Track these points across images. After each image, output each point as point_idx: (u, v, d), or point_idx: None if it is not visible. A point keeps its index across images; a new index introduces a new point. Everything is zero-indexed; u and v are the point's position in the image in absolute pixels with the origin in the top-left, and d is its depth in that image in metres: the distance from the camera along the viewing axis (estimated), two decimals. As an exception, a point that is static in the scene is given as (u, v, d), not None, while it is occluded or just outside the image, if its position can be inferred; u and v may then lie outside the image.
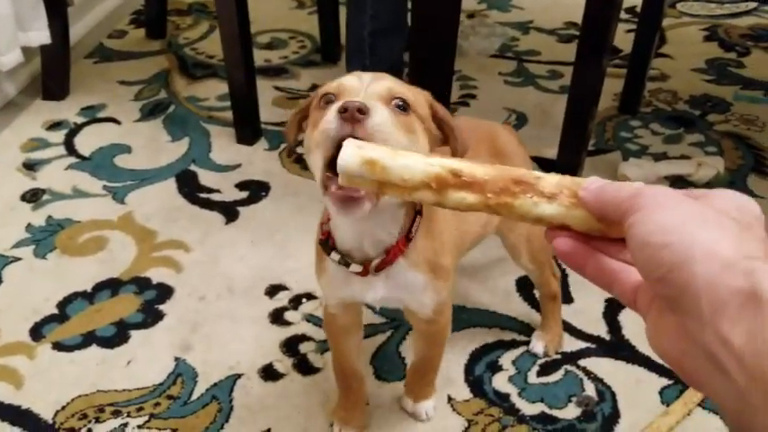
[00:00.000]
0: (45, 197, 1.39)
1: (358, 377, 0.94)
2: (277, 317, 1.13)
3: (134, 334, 1.10)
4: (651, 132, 1.59)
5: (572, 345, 1.08)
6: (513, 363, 1.05)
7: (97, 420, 0.96)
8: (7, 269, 1.22)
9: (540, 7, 2.17)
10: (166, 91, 1.76)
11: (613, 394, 1.00)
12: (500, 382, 1.02)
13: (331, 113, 0.59)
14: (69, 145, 1.55)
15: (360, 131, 0.57)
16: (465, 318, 1.12)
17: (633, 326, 1.09)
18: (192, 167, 1.48)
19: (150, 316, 1.13)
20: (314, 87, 1.77)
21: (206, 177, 1.45)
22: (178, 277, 1.20)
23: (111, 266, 1.22)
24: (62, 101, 1.70)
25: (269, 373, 1.03)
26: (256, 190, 1.42)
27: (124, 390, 1.01)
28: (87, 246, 1.27)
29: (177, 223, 1.33)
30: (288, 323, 1.12)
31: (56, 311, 1.13)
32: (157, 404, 0.99)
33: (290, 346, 1.08)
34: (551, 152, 1.39)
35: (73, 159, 1.50)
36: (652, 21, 1.56)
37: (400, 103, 0.64)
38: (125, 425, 0.96)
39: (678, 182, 1.42)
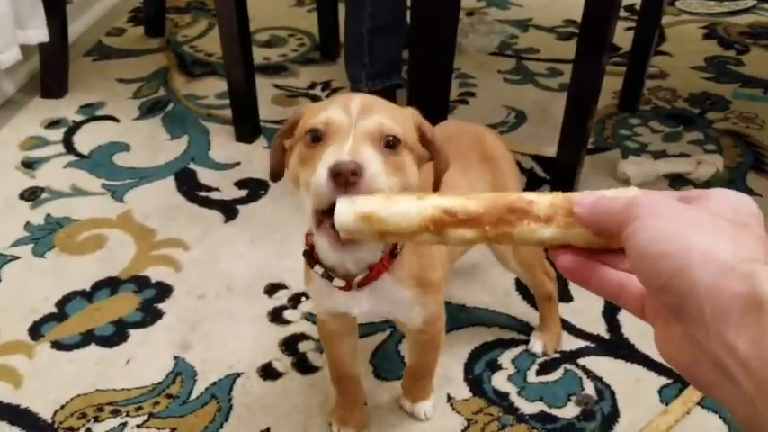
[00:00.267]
0: (44, 195, 1.39)
1: (354, 379, 0.94)
2: (276, 315, 1.13)
3: (133, 333, 1.10)
4: (650, 130, 1.59)
5: (571, 344, 1.08)
6: (513, 362, 1.05)
7: (96, 419, 0.96)
8: (6, 268, 1.22)
9: (540, 5, 2.17)
10: (165, 89, 1.75)
11: (612, 393, 1.00)
12: (499, 381, 1.02)
13: (323, 174, 0.57)
14: (68, 143, 1.55)
15: (353, 191, 0.55)
16: (464, 317, 1.12)
17: (632, 325, 1.09)
18: (191, 166, 1.48)
19: (149, 315, 1.13)
20: (313, 85, 1.77)
21: (205, 175, 1.45)
22: (177, 276, 1.20)
23: (110, 265, 1.22)
24: (61, 99, 1.70)
25: (268, 372, 1.03)
26: (255, 188, 1.41)
27: (123, 389, 1.01)
28: (86, 244, 1.27)
29: (176, 222, 1.32)
30: (287, 322, 1.12)
31: (55, 310, 1.13)
32: (156, 403, 0.99)
33: (290, 344, 1.08)
34: (551, 150, 1.39)
35: (72, 157, 1.50)
36: (651, 18, 1.56)
37: (390, 141, 0.62)
38: (124, 424, 0.96)
39: (677, 180, 1.42)
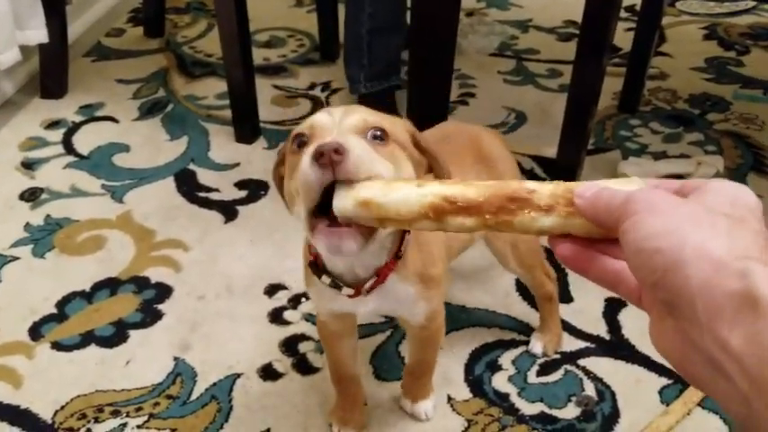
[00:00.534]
0: (43, 196, 1.39)
1: (354, 380, 0.94)
2: (276, 316, 1.13)
3: (133, 333, 1.09)
4: (651, 131, 1.59)
5: (571, 344, 1.08)
6: (513, 362, 1.05)
7: (96, 420, 0.96)
8: (6, 268, 1.22)
9: (540, 5, 2.17)
10: (165, 89, 1.75)
11: (613, 394, 1.00)
12: (500, 382, 1.02)
13: (306, 161, 0.54)
14: (68, 144, 1.55)
15: (341, 173, 0.51)
16: (464, 318, 1.12)
17: (633, 325, 1.09)
18: (191, 166, 1.48)
19: (149, 315, 1.13)
20: (312, 86, 1.77)
21: (205, 176, 1.45)
22: (177, 277, 1.20)
23: (110, 266, 1.22)
24: (60, 99, 1.70)
25: (268, 373, 1.03)
26: (255, 189, 1.41)
27: (123, 390, 1.01)
28: (86, 245, 1.27)
29: (176, 222, 1.32)
30: (287, 323, 1.12)
31: (54, 311, 1.13)
32: (157, 404, 0.98)
33: (290, 345, 1.08)
34: (551, 151, 1.39)
35: (71, 158, 1.50)
36: (651, 19, 1.56)
37: (377, 133, 0.60)
38: (124, 425, 0.95)
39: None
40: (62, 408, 0.98)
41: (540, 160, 1.47)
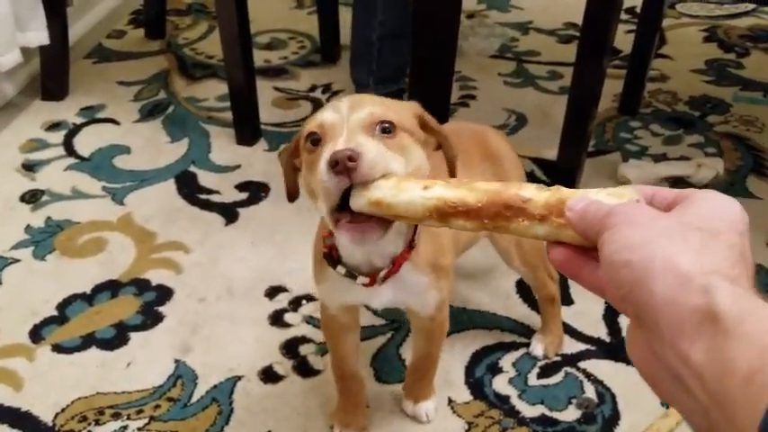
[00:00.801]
0: (44, 198, 1.39)
1: (357, 379, 0.94)
2: (277, 318, 1.13)
3: (134, 336, 1.10)
4: (651, 133, 1.59)
5: (572, 347, 1.08)
6: (514, 365, 1.05)
7: (97, 423, 0.96)
8: (6, 270, 1.22)
9: (540, 8, 2.17)
10: (166, 91, 1.75)
11: (613, 396, 1.00)
12: (500, 385, 1.02)
13: (323, 169, 0.58)
14: (68, 145, 1.55)
15: (357, 178, 0.55)
16: (465, 319, 1.12)
17: (633, 328, 1.09)
18: (192, 168, 1.48)
19: (150, 318, 1.13)
20: (313, 88, 1.77)
21: (205, 178, 1.45)
22: (178, 279, 1.20)
23: (111, 268, 1.22)
24: (61, 101, 1.70)
25: (269, 376, 1.03)
26: (256, 191, 1.41)
27: (124, 392, 1.01)
28: (87, 247, 1.27)
29: (177, 224, 1.32)
30: (288, 325, 1.12)
31: (55, 313, 1.13)
32: (157, 406, 0.98)
33: (290, 347, 1.08)
34: (551, 153, 1.39)
35: (72, 160, 1.50)
36: (652, 21, 1.56)
37: (386, 126, 0.63)
38: (125, 427, 0.96)
39: (678, 183, 1.42)
40: (63, 410, 0.98)
41: (540, 162, 1.47)
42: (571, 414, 0.98)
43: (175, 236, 1.29)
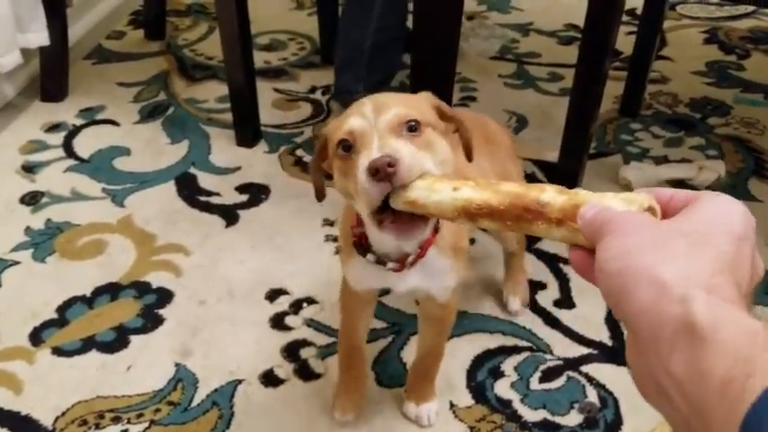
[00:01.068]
0: (44, 200, 1.38)
1: (361, 354, 0.96)
2: (277, 321, 1.12)
3: (134, 339, 1.09)
4: (652, 135, 1.59)
5: (574, 350, 1.07)
6: (516, 369, 1.05)
7: (97, 426, 0.96)
8: (6, 273, 1.21)
9: (540, 9, 2.17)
10: (166, 92, 1.75)
11: (615, 400, 1.00)
12: (502, 389, 1.01)
13: (363, 177, 0.61)
14: (68, 147, 1.54)
15: (397, 182, 0.59)
16: (467, 323, 1.11)
17: (635, 331, 1.09)
18: (192, 170, 1.47)
19: (150, 320, 1.12)
20: (313, 89, 1.76)
21: (206, 180, 1.45)
22: (178, 281, 1.20)
23: (111, 270, 1.22)
24: (61, 102, 1.69)
25: (270, 379, 1.03)
26: (256, 193, 1.41)
27: (124, 395, 1.00)
28: (86, 249, 1.26)
29: (177, 226, 1.32)
30: (288, 328, 1.11)
31: (55, 316, 1.13)
32: (158, 410, 0.98)
33: (291, 351, 1.07)
34: (552, 155, 1.39)
35: (72, 161, 1.50)
36: (653, 23, 1.56)
37: (411, 124, 0.66)
38: (125, 431, 0.95)
39: (679, 185, 1.42)
40: (63, 414, 0.97)
41: (541, 164, 1.46)
42: (573, 418, 0.97)
43: (175, 238, 1.29)
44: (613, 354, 1.06)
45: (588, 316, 1.13)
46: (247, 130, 1.55)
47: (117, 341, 1.09)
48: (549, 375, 1.03)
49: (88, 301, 1.16)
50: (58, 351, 1.07)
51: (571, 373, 1.04)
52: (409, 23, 1.58)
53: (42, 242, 1.28)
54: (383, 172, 0.59)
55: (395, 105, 0.67)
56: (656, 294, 0.35)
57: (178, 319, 1.13)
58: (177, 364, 1.05)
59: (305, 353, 1.07)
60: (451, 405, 0.99)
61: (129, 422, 0.96)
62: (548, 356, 1.06)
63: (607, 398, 1.00)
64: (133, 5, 2.17)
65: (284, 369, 1.04)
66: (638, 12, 1.64)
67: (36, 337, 1.09)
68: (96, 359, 1.06)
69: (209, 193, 1.41)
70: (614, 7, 1.22)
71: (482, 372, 1.04)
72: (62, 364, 1.05)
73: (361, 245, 0.78)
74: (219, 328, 1.11)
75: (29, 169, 1.47)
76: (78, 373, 1.04)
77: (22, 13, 1.52)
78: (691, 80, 1.80)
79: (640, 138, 1.58)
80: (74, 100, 1.71)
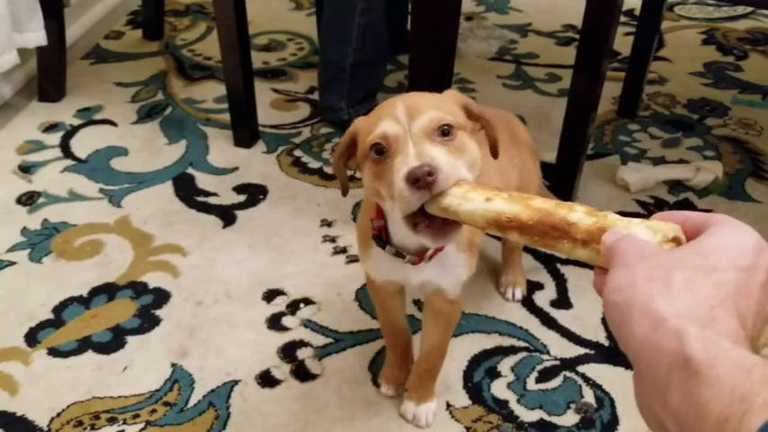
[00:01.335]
0: (41, 200, 1.38)
1: (405, 332, 0.99)
2: (275, 322, 1.12)
3: (130, 339, 1.09)
4: (649, 136, 1.59)
5: (571, 351, 1.07)
6: (512, 369, 1.04)
7: (93, 427, 0.96)
8: (2, 273, 1.21)
9: (539, 10, 2.17)
10: (163, 93, 1.75)
11: (612, 401, 0.99)
12: (499, 389, 1.01)
13: (402, 184, 0.62)
14: (65, 147, 1.54)
15: (436, 190, 0.60)
16: (463, 323, 1.11)
17: (632, 332, 1.09)
18: (190, 170, 1.47)
19: (147, 321, 1.12)
20: (312, 90, 1.76)
21: (203, 180, 1.44)
22: (175, 282, 1.20)
23: (108, 271, 1.21)
24: (58, 102, 1.69)
25: (266, 380, 1.03)
26: (254, 193, 1.41)
27: (120, 396, 1.00)
28: (83, 250, 1.26)
29: (174, 227, 1.32)
30: (285, 329, 1.11)
31: (51, 316, 1.13)
32: (154, 411, 0.98)
33: (288, 351, 1.07)
34: (550, 156, 1.39)
35: (69, 162, 1.49)
36: (651, 24, 1.56)
37: (445, 129, 0.67)
38: (121, 432, 0.95)
39: (676, 186, 1.42)
40: (58, 415, 0.97)
41: (539, 165, 1.46)
42: (570, 419, 0.97)
43: (173, 238, 1.29)
44: (610, 354, 1.06)
45: (585, 316, 1.13)
46: (245, 131, 1.55)
47: (113, 342, 1.08)
48: (545, 376, 1.03)
49: (85, 302, 1.15)
50: (53, 352, 1.07)
51: (568, 374, 1.04)
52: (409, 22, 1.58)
53: (39, 243, 1.27)
54: (423, 181, 0.60)
55: (427, 109, 0.67)
56: (651, 327, 0.36)
57: (175, 320, 1.12)
58: (174, 365, 1.05)
59: (302, 353, 1.07)
60: (448, 405, 0.99)
61: (124, 423, 0.96)
62: (544, 357, 1.06)
63: (603, 398, 1.00)
64: (131, 5, 2.17)
65: (281, 370, 1.04)
66: (637, 12, 1.64)
67: (32, 337, 1.09)
68: (92, 360, 1.06)
69: (207, 194, 1.41)
70: (612, 8, 1.22)
71: (479, 372, 1.04)
72: (58, 365, 1.05)
73: (381, 238, 0.79)
74: (216, 329, 1.11)
75: (26, 169, 1.47)
76: (74, 373, 1.03)
77: (20, 12, 1.52)
78: (688, 81, 1.80)
79: (638, 138, 1.58)
80: (71, 100, 1.71)
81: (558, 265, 1.23)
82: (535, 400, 1.00)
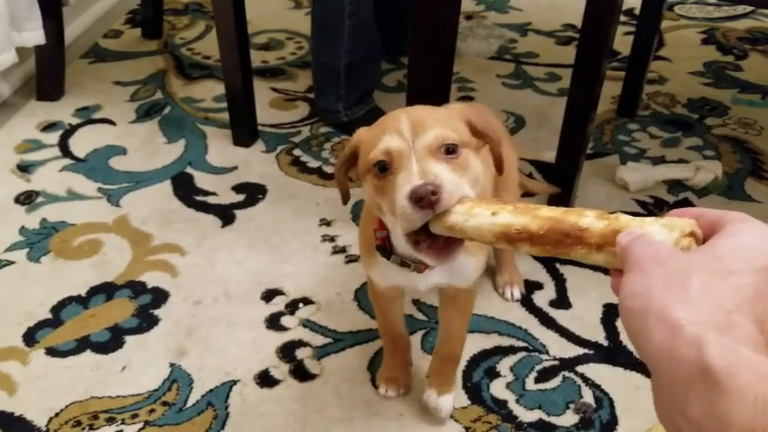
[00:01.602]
0: (39, 199, 1.38)
1: (404, 338, 1.00)
2: (273, 322, 1.12)
3: (129, 339, 1.09)
4: (649, 136, 1.59)
5: (570, 351, 1.07)
6: (511, 369, 1.04)
7: (91, 427, 0.95)
8: (0, 273, 1.21)
9: (539, 9, 2.17)
10: (162, 92, 1.74)
11: (611, 401, 0.99)
12: (498, 389, 1.01)
13: (405, 202, 0.61)
14: (64, 146, 1.54)
15: (439, 209, 0.60)
16: (463, 323, 1.11)
17: (631, 332, 1.09)
18: (188, 170, 1.47)
19: (145, 321, 1.12)
20: (311, 89, 1.76)
21: (202, 180, 1.44)
22: (173, 281, 1.19)
23: (106, 270, 1.21)
24: (57, 102, 1.69)
25: (265, 380, 1.03)
26: (253, 193, 1.41)
27: (119, 396, 1.00)
28: (82, 249, 1.26)
29: (173, 226, 1.31)
30: (284, 328, 1.11)
31: (50, 316, 1.12)
32: (152, 411, 0.98)
33: (287, 351, 1.07)
34: (550, 155, 1.39)
35: (67, 161, 1.49)
36: (651, 23, 1.55)
37: (449, 147, 0.66)
38: (119, 432, 0.95)
39: (676, 186, 1.42)
40: (57, 414, 0.97)
41: (538, 164, 1.46)
42: (569, 419, 0.97)
43: (171, 238, 1.29)
44: (609, 354, 1.06)
45: (584, 316, 1.13)
46: (244, 130, 1.55)
47: (112, 341, 1.08)
48: (544, 376, 1.03)
49: (83, 302, 1.15)
50: (52, 351, 1.06)
51: (567, 374, 1.03)
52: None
53: (37, 242, 1.27)
54: (426, 200, 0.59)
55: (433, 125, 0.67)
56: (669, 335, 0.35)
57: (173, 320, 1.12)
58: (172, 365, 1.04)
59: (301, 353, 1.07)
60: (447, 406, 0.99)
61: (123, 423, 0.96)
62: (543, 357, 1.06)
63: (602, 398, 1.00)
64: (130, 4, 2.16)
65: (280, 370, 1.04)
66: (637, 12, 1.64)
67: (30, 337, 1.09)
68: (91, 359, 1.05)
69: (206, 193, 1.40)
70: (612, 7, 1.21)
71: (478, 372, 1.04)
72: (56, 365, 1.04)
73: (385, 248, 0.79)
74: (215, 329, 1.11)
75: (24, 169, 1.47)
76: (72, 373, 1.03)
77: (18, 11, 1.51)
78: (688, 80, 1.80)
79: (638, 138, 1.58)
80: (70, 99, 1.70)
81: (558, 265, 1.22)
82: (534, 401, 0.99)
